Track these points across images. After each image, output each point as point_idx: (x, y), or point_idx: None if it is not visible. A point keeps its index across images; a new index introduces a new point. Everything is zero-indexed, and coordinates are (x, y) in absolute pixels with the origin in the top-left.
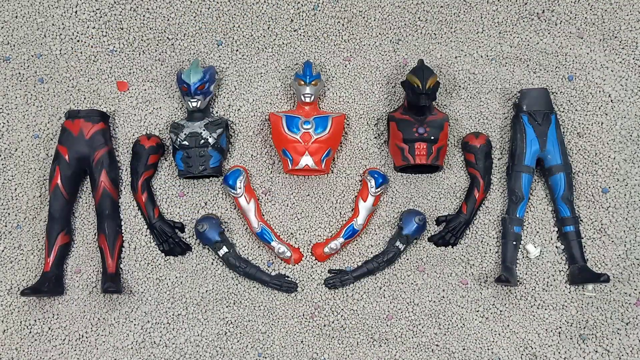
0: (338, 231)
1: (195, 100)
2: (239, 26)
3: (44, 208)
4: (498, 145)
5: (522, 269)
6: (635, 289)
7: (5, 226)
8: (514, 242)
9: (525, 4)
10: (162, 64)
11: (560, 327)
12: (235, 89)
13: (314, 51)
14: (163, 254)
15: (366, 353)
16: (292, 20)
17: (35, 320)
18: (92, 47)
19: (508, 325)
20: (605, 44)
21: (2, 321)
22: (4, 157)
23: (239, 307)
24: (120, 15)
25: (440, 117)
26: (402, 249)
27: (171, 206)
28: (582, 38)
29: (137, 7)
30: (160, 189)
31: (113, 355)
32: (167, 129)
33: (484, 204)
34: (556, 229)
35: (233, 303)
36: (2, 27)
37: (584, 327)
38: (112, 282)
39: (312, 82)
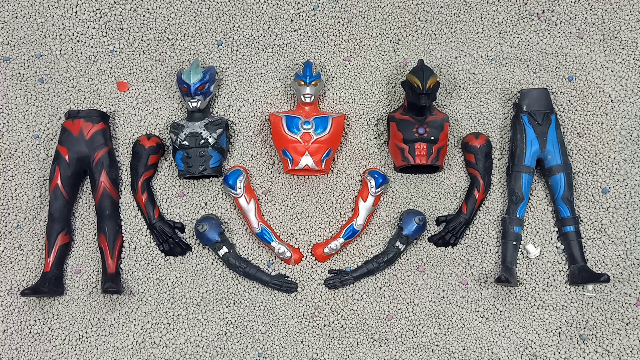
0: (338, 231)
1: (195, 100)
2: (239, 26)
3: (44, 208)
4: (498, 146)
5: (522, 269)
6: (635, 289)
7: (5, 226)
8: (514, 242)
9: (525, 4)
10: (162, 64)
11: (560, 327)
12: (235, 89)
13: (314, 51)
14: (163, 254)
15: (366, 353)
16: (292, 20)
17: (35, 320)
18: (92, 47)
19: (508, 325)
20: (605, 44)
21: (2, 321)
22: (4, 157)
23: (239, 307)
24: (120, 15)
25: (440, 117)
26: (402, 249)
27: (171, 206)
28: (582, 38)
29: (137, 7)
30: (160, 189)
31: (113, 355)
32: (167, 129)
33: (484, 204)
34: (556, 229)
35: (233, 303)
36: (2, 27)
37: (584, 327)
38: (112, 282)
39: (312, 82)
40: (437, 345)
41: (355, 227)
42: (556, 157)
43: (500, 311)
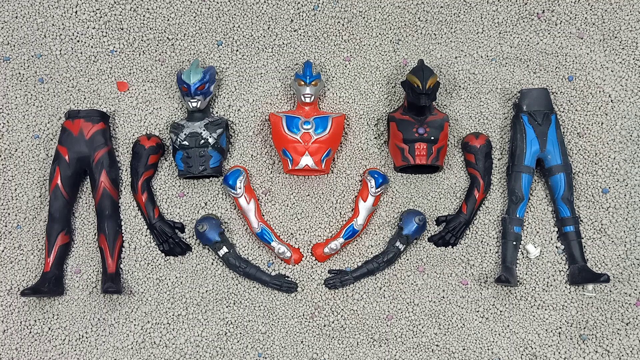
0: (338, 231)
1: (195, 100)
2: (239, 26)
3: (44, 208)
4: (498, 146)
5: (522, 269)
6: (635, 289)
7: (5, 226)
8: (514, 242)
9: (525, 4)
10: (162, 64)
11: (560, 327)
12: (235, 89)
13: (314, 51)
14: (163, 254)
15: (366, 353)
16: (292, 20)
17: (35, 320)
18: (92, 47)
19: (508, 325)
20: (605, 44)
21: (2, 321)
22: (4, 157)
23: (239, 307)
24: (120, 15)
25: (440, 117)
26: (402, 249)
27: (171, 206)
28: (582, 38)
29: (137, 7)
30: (160, 189)
31: (113, 355)
32: (167, 129)
33: (484, 204)
34: (556, 229)
35: (233, 303)
36: (2, 27)
37: (584, 327)
38: (112, 282)
39: (312, 82)
40: (437, 345)
41: (355, 227)
42: (556, 157)
43: (500, 311)
